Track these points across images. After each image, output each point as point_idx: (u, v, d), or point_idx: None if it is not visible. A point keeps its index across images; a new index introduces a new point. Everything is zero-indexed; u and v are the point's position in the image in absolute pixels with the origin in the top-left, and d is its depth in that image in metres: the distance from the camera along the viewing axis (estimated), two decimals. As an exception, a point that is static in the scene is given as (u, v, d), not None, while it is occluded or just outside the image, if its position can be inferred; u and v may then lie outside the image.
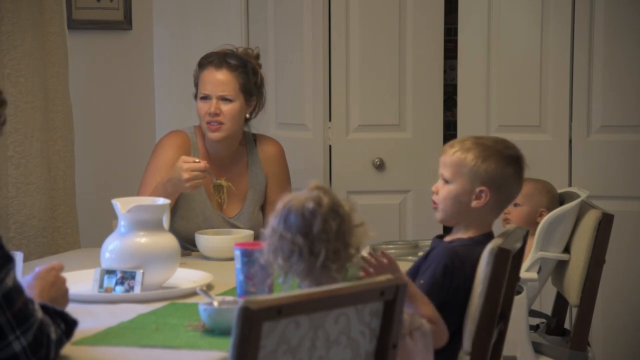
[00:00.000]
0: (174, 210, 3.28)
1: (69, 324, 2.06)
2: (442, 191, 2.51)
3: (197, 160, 3.16)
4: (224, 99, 3.34)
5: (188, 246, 3.25)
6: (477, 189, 2.48)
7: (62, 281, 2.25)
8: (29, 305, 1.94)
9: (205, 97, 3.35)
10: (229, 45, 3.48)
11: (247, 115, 3.43)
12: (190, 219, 3.34)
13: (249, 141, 3.50)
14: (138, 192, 3.36)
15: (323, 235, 2.05)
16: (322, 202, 2.06)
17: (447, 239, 2.54)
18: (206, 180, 3.19)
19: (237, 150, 3.46)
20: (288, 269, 2.08)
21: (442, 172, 2.51)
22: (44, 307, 2.02)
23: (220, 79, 3.35)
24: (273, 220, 2.10)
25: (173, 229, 3.19)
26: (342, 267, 2.08)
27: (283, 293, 1.80)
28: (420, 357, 2.23)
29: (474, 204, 2.49)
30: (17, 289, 1.93)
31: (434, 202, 2.52)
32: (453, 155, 2.51)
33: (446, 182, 2.50)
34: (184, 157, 3.18)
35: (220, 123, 3.33)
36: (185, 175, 3.12)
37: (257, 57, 3.47)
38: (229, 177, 3.40)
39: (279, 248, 2.08)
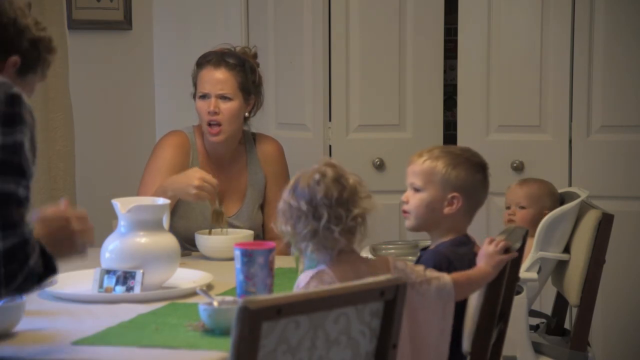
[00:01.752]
0: (174, 210, 3.28)
1: (49, 269, 2.00)
2: (414, 200, 2.57)
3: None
4: (223, 97, 3.35)
5: (188, 246, 3.25)
6: (449, 196, 2.54)
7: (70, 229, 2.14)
8: (21, 220, 1.92)
9: (204, 96, 3.36)
10: (227, 44, 3.48)
11: (246, 114, 3.43)
12: (190, 218, 3.34)
13: (248, 140, 3.50)
14: (138, 193, 3.36)
15: (325, 200, 2.20)
16: (326, 173, 2.23)
17: (431, 247, 2.58)
18: (210, 197, 3.19)
19: (237, 150, 3.46)
20: (295, 234, 2.22)
21: (413, 181, 2.58)
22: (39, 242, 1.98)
23: (218, 78, 3.36)
24: (285, 193, 2.26)
25: (173, 229, 3.19)
26: (346, 231, 2.22)
27: (282, 293, 1.80)
28: (435, 307, 2.28)
29: (447, 210, 2.54)
30: (19, 199, 1.92)
31: (405, 212, 2.59)
32: (423, 164, 2.57)
33: (417, 190, 2.56)
34: (197, 169, 3.22)
35: (219, 125, 3.34)
36: (196, 183, 3.13)
37: (255, 56, 3.48)
38: (228, 176, 3.40)
39: (288, 216, 2.23)
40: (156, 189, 3.24)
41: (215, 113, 3.34)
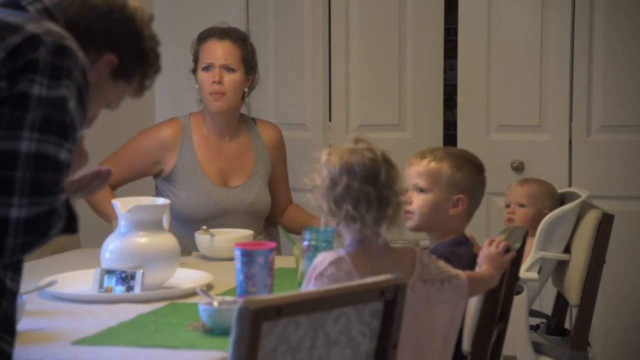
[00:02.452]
0: (175, 192, 3.39)
1: (72, 228, 1.90)
2: (418, 200, 2.57)
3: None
4: (227, 68, 3.42)
5: (186, 246, 3.26)
6: (455, 197, 2.55)
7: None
8: (57, 185, 1.76)
9: (208, 67, 3.42)
10: (224, 23, 3.55)
11: (245, 89, 3.49)
12: (190, 196, 3.40)
13: (248, 121, 3.57)
14: (110, 157, 3.49)
15: (388, 182, 2.12)
16: (376, 151, 2.16)
17: (430, 247, 2.58)
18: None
19: (238, 128, 3.52)
20: (357, 217, 2.10)
21: (417, 182, 2.57)
22: (68, 204, 1.86)
23: (223, 49, 3.43)
24: (327, 172, 2.14)
25: (176, 210, 3.29)
26: (388, 218, 2.13)
27: (282, 293, 1.80)
28: (454, 303, 2.26)
29: (452, 211, 2.55)
30: (57, 163, 1.74)
31: (408, 212, 2.56)
32: (428, 165, 2.57)
33: (421, 191, 2.55)
34: None
35: (223, 94, 3.39)
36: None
37: (249, 38, 3.56)
38: (231, 153, 3.48)
39: (346, 197, 2.10)
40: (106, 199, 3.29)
41: (219, 82, 3.39)
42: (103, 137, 4.34)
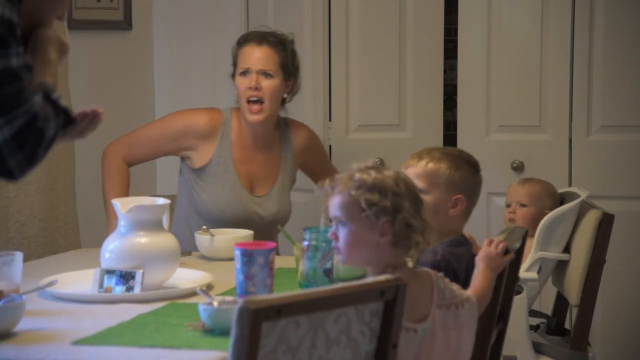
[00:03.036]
0: (204, 187, 3.35)
1: (69, 119, 1.88)
2: None
3: None
4: (265, 73, 3.37)
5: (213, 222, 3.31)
6: (454, 198, 2.54)
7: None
8: (22, 93, 1.72)
9: (245, 72, 3.38)
10: (265, 26, 3.52)
11: (285, 96, 3.45)
12: (220, 195, 3.37)
13: (282, 125, 3.53)
14: (135, 133, 3.44)
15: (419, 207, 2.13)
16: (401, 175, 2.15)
17: (430, 249, 2.57)
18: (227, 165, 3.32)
19: (271, 135, 3.48)
20: (390, 229, 2.09)
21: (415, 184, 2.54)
22: (47, 97, 1.82)
23: (261, 54, 3.39)
24: (372, 192, 2.10)
25: (202, 206, 3.28)
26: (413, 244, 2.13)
27: (282, 293, 1.80)
28: (468, 328, 2.23)
29: (451, 212, 2.55)
30: (12, 73, 1.70)
31: None
32: (426, 166, 2.55)
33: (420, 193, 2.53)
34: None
35: (260, 102, 3.35)
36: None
37: (293, 42, 3.51)
38: (260, 159, 3.45)
39: (383, 212, 2.09)
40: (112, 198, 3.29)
41: (257, 89, 3.35)
42: (103, 137, 4.35)
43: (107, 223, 3.28)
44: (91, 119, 2.12)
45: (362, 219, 2.10)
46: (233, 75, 3.43)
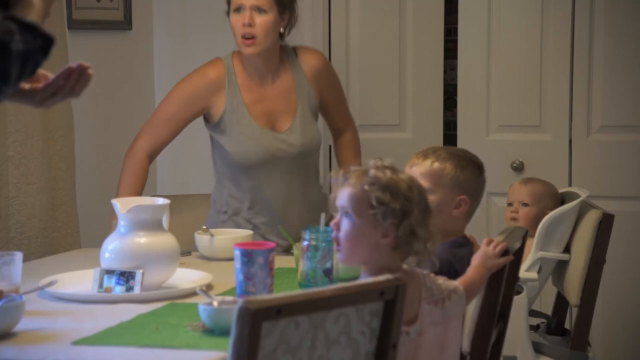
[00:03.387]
0: (225, 140, 3.34)
1: (46, 39, 1.83)
2: None
3: None
4: (258, 9, 3.30)
5: (235, 195, 3.34)
6: (457, 198, 2.53)
7: None
8: None
9: (239, 9, 3.31)
10: None
11: (281, 30, 3.39)
12: (240, 142, 3.33)
13: (290, 55, 3.46)
14: (150, 120, 3.42)
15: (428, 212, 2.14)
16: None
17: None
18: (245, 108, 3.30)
19: (280, 67, 3.42)
20: (393, 231, 2.09)
21: None
22: (11, 18, 1.79)
23: None
24: (385, 191, 2.10)
25: (228, 159, 3.31)
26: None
27: (282, 293, 1.80)
28: (455, 321, 2.23)
29: (454, 212, 2.54)
30: None
31: None
32: (432, 165, 2.54)
33: None
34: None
35: (253, 37, 3.30)
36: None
37: None
38: (275, 94, 3.40)
39: (391, 213, 2.09)
40: (123, 188, 3.30)
41: (250, 25, 3.28)
42: (103, 137, 4.35)
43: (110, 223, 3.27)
44: (79, 75, 2.08)
45: (369, 216, 2.10)
46: (228, 13, 3.38)
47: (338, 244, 2.15)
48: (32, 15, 1.85)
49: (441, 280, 2.24)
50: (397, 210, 2.09)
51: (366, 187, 2.10)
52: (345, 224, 2.13)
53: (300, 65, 3.43)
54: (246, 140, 3.33)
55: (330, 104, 3.50)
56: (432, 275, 2.23)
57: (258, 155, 3.32)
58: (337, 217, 2.15)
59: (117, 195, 3.30)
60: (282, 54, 3.43)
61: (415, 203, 2.10)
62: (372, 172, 2.12)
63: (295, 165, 3.37)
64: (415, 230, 2.10)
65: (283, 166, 3.33)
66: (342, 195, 2.13)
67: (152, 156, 3.42)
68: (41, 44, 1.82)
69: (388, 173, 2.12)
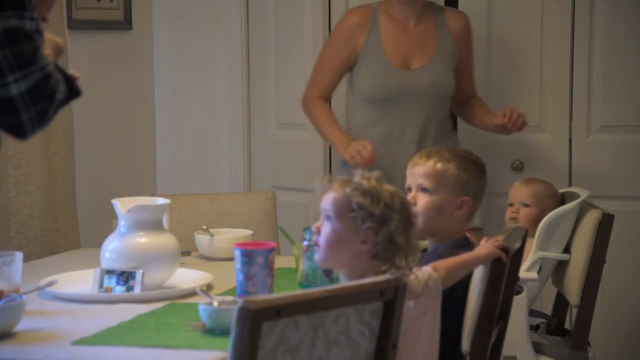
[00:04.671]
0: (359, 74, 3.60)
1: (73, 91, 1.98)
2: (422, 202, 2.54)
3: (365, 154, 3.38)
4: None
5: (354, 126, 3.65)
6: (460, 199, 2.53)
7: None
8: (38, 52, 1.82)
9: None
10: None
11: None
12: (372, 77, 3.58)
13: (435, 7, 3.70)
14: (313, 70, 3.70)
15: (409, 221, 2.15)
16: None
17: (430, 248, 2.56)
18: (362, 164, 3.38)
19: (423, 16, 3.64)
20: (372, 237, 2.10)
21: (421, 183, 2.55)
22: (58, 68, 1.93)
23: None
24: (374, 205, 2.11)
25: (361, 92, 3.57)
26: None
27: (282, 293, 1.80)
28: (436, 301, 2.24)
29: (456, 213, 2.54)
30: (26, 34, 1.81)
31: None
32: (435, 166, 2.53)
33: (425, 192, 2.52)
34: (358, 143, 3.42)
35: None
36: (347, 157, 3.43)
37: None
38: (414, 36, 3.63)
39: (370, 218, 2.10)
40: (332, 128, 3.60)
41: None
42: (103, 137, 4.35)
43: (339, 147, 3.53)
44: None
45: (348, 219, 2.11)
46: None
47: (317, 247, 2.17)
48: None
49: (413, 276, 2.20)
50: (376, 215, 2.09)
51: (348, 190, 2.12)
52: (326, 228, 2.15)
53: (446, 21, 3.67)
54: (377, 75, 3.56)
55: (465, 67, 3.73)
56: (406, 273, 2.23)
57: (387, 90, 3.56)
58: (319, 221, 2.16)
59: (326, 130, 3.64)
60: (429, 6, 3.67)
61: (395, 211, 2.11)
62: (357, 179, 2.15)
63: (426, 102, 3.57)
64: (394, 238, 2.10)
65: (411, 102, 3.55)
66: (326, 199, 2.16)
67: (325, 99, 3.71)
68: (70, 96, 1.97)
69: (372, 181, 2.14)
